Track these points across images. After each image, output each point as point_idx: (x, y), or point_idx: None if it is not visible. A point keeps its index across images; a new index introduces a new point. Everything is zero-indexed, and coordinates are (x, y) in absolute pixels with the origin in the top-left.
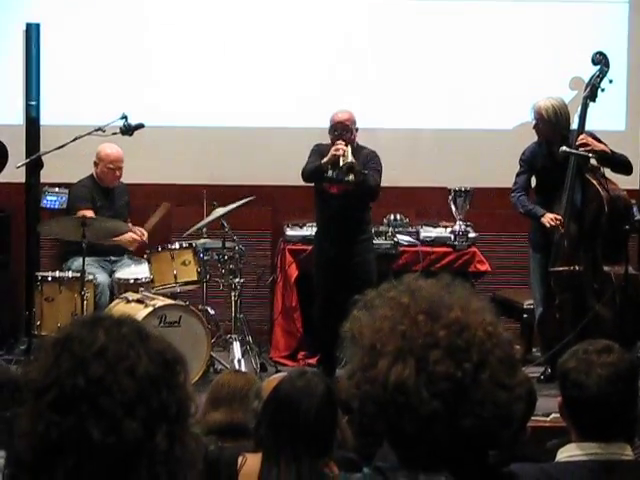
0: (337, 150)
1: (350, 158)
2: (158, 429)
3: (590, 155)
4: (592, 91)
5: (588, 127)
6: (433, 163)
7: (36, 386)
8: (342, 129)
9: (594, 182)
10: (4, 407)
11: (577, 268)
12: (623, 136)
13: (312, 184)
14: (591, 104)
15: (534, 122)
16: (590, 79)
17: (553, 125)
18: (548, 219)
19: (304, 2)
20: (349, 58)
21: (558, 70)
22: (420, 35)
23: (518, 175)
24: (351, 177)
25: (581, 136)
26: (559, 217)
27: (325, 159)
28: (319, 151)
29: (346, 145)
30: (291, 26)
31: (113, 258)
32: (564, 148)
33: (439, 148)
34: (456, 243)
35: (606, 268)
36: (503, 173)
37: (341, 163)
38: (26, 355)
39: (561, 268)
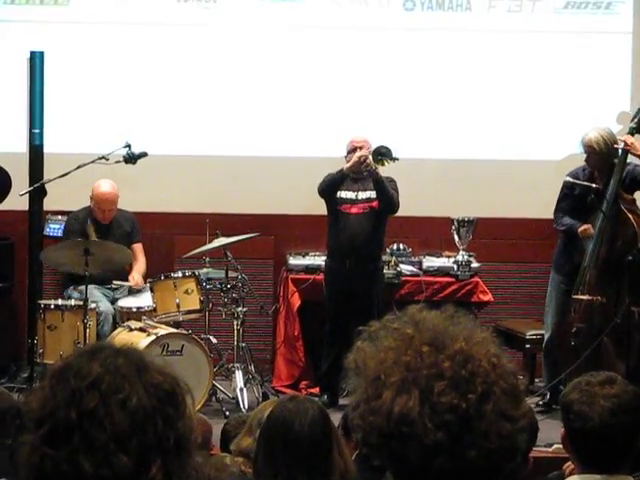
0: (361, 157)
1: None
2: (153, 462)
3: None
4: (639, 122)
5: None
6: (436, 193)
7: (35, 417)
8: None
9: (629, 215)
10: (6, 434)
11: (600, 299)
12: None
13: (323, 211)
14: (637, 135)
15: (585, 155)
16: (638, 110)
17: (604, 156)
18: (582, 230)
19: (308, 33)
20: (353, 89)
21: (561, 101)
22: (421, 67)
23: (559, 201)
24: (385, 164)
25: (624, 136)
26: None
27: (348, 165)
28: None
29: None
30: (295, 56)
31: (115, 286)
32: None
33: (442, 178)
34: (459, 273)
35: (632, 307)
36: (506, 203)
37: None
38: (28, 383)
39: (583, 297)
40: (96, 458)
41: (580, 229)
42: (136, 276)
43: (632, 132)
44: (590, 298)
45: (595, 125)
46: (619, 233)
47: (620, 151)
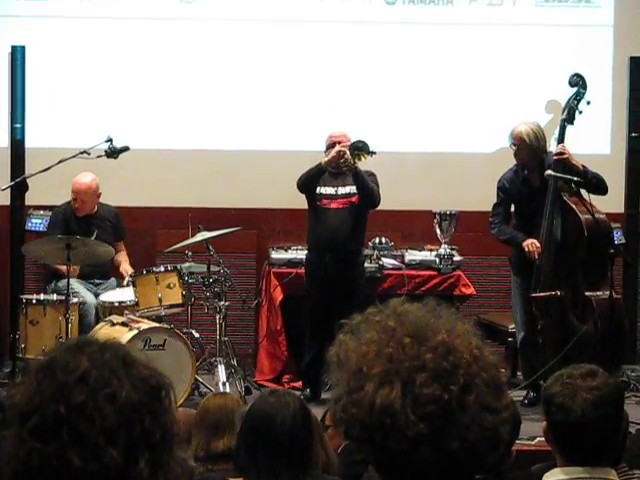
0: (339, 152)
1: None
2: (141, 456)
3: (575, 179)
4: (569, 113)
5: (573, 151)
6: (418, 186)
7: (20, 411)
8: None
9: (573, 206)
10: None
11: (558, 293)
12: (608, 159)
13: (305, 205)
14: (569, 127)
15: (514, 148)
16: (567, 101)
17: (534, 150)
18: (527, 243)
19: (290, 27)
20: (335, 83)
21: (542, 94)
22: (404, 61)
23: (496, 206)
24: (362, 158)
25: (560, 145)
26: (537, 243)
27: (326, 159)
28: None
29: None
30: (278, 51)
31: (97, 281)
32: (549, 172)
33: (424, 172)
34: (441, 266)
35: (587, 293)
36: (488, 196)
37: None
38: (10, 378)
39: (542, 294)
40: (85, 452)
41: (525, 244)
42: (124, 265)
43: (563, 123)
44: (549, 294)
45: (525, 120)
46: (567, 225)
47: (553, 164)
